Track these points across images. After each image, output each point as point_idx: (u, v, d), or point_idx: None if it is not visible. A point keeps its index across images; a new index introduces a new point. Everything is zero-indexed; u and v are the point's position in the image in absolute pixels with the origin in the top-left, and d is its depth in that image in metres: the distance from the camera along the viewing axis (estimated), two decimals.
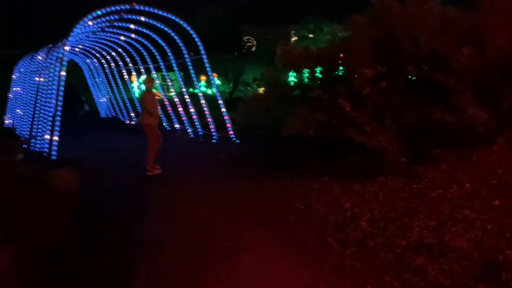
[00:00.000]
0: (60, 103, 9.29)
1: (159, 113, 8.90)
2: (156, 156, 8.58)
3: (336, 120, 6.85)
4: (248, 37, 35.55)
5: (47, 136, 9.46)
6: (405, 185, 5.82)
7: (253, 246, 4.79)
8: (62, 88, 9.22)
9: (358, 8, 7.52)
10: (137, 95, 18.85)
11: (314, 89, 7.47)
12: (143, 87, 9.55)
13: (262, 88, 22.76)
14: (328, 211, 5.60)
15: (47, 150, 9.43)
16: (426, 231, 4.48)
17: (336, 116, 6.89)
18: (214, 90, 23.71)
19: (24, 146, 11.08)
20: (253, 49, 34.09)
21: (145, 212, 6.13)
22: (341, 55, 7.65)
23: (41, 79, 11.09)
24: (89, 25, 9.80)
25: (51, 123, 9.40)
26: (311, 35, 28.73)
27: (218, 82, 11.37)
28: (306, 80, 8.12)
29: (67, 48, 9.30)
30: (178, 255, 4.66)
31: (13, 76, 17.14)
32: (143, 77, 16.89)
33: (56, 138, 9.21)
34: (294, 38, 36.34)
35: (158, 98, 12.07)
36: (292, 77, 10.09)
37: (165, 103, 14.74)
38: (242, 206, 6.21)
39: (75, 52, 17.72)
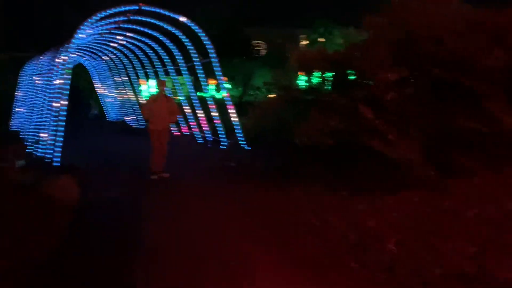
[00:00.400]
0: (64, 107, 8.83)
1: (168, 119, 8.24)
2: (160, 162, 8.15)
3: (355, 128, 6.29)
4: (257, 41, 35.02)
5: (50, 141, 9.01)
6: (434, 201, 5.23)
7: (262, 266, 4.25)
8: (66, 92, 8.76)
9: (367, 11, 6.99)
10: (146, 98, 18.44)
11: (330, 93, 6.93)
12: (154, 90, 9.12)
13: (272, 93, 22.28)
14: (348, 228, 5.03)
15: (50, 156, 8.98)
16: (463, 257, 3.89)
17: (354, 123, 6.33)
18: (224, 94, 23.29)
19: (27, 151, 10.66)
20: (262, 52, 33.57)
21: (145, 224, 5.61)
22: (358, 57, 7.09)
23: (44, 82, 10.65)
24: (94, 27, 9.35)
25: (54, 128, 8.94)
26: (321, 39, 28.18)
27: (227, 86, 10.80)
28: (319, 84, 7.57)
29: (71, 50, 8.84)
30: (179, 275, 4.13)
31: (19, 79, 16.81)
32: (152, 81, 16.48)
33: (59, 143, 8.75)
34: (303, 42, 35.84)
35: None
36: (302, 81, 9.57)
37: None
38: (250, 219, 5.67)
39: (82, 55, 17.35)
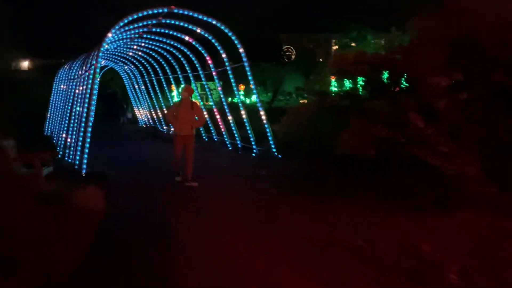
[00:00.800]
0: (92, 113, 8.56)
1: (193, 125, 7.91)
2: (186, 168, 7.92)
3: (402, 138, 5.65)
4: (288, 46, 34.51)
5: (77, 148, 8.77)
6: (497, 222, 4.54)
7: None
8: (94, 97, 8.49)
9: (398, 16, 6.37)
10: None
11: (372, 100, 6.31)
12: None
13: (303, 99, 21.65)
14: (399, 252, 4.41)
15: (78, 162, 8.73)
16: None
17: (401, 132, 5.70)
18: (254, 99, 22.84)
19: (57, 156, 10.51)
20: (293, 58, 33.02)
21: (172, 240, 5.15)
22: (404, 60, 6.45)
23: (74, 87, 10.48)
24: (125, 30, 9.08)
25: (82, 133, 8.68)
26: (353, 44, 27.39)
27: (253, 91, 10.32)
28: (359, 89, 6.96)
29: (100, 54, 8.58)
30: None
31: (54, 85, 16.94)
32: (182, 86, 16.22)
33: (86, 150, 8.47)
34: (335, 47, 35.05)
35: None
36: (339, 86, 8.99)
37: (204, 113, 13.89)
38: (282, 238, 5.08)
39: (114, 60, 17.32)
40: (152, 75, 16.49)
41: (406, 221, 5.05)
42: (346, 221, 5.49)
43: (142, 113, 20.33)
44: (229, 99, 15.45)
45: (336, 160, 7.07)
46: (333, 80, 24.11)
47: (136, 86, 19.10)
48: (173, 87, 17.81)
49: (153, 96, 17.72)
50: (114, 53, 15.44)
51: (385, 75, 6.87)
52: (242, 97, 13.99)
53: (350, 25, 27.11)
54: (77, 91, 10.37)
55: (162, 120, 17.58)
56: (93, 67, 8.70)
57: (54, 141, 13.20)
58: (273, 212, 6.14)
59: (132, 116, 22.09)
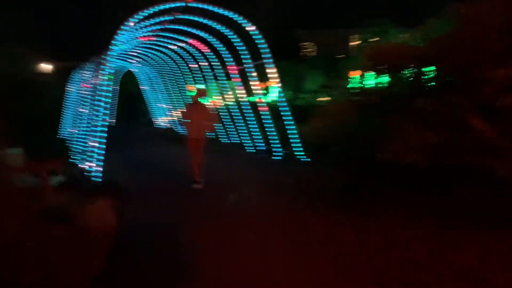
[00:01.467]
0: (105, 117, 7.90)
1: (204, 128, 7.68)
2: (197, 171, 7.73)
3: (459, 143, 4.77)
4: (306, 42, 33.53)
5: (90, 154, 8.13)
6: None
7: None
8: (108, 100, 7.82)
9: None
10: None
11: (420, 98, 5.42)
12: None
13: (326, 97, 20.66)
14: (459, 279, 3.57)
15: (92, 170, 8.07)
16: None
17: (457, 136, 4.82)
18: (274, 98, 22.00)
19: (71, 162, 9.91)
20: (311, 54, 32.03)
21: (192, 261, 4.40)
22: (457, 51, 5.53)
23: (86, 89, 9.85)
24: (137, 28, 8.38)
25: (96, 138, 8.03)
26: (374, 39, 26.29)
27: (278, 89, 9.52)
28: (404, 86, 6.07)
29: (112, 54, 7.89)
30: None
31: (67, 87, 16.45)
32: (200, 86, 15.53)
33: (100, 156, 7.83)
34: (354, 43, 33.91)
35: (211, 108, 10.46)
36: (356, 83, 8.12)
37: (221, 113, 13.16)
38: (313, 257, 4.30)
39: (129, 61, 16.74)
40: (170, 75, 15.83)
41: (462, 239, 4.20)
42: (384, 237, 4.66)
43: (159, 115, 19.75)
44: (248, 97, 14.63)
45: (375, 167, 6.21)
46: (356, 76, 23.14)
47: (153, 88, 18.50)
48: (190, 87, 17.13)
49: (170, 97, 17.08)
50: (130, 53, 14.83)
51: (425, 69, 5.98)
52: (261, 96, 13.17)
53: (370, 20, 26.05)
54: (89, 93, 9.74)
55: (179, 122, 16.92)
56: (104, 67, 8.02)
57: (68, 145, 12.63)
58: (299, 224, 5.35)
59: (148, 119, 21.53)
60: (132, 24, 7.82)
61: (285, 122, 9.92)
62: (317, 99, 19.52)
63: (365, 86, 7.20)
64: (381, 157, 5.21)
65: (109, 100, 7.78)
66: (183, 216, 6.11)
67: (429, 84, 5.94)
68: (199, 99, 7.72)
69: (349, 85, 7.50)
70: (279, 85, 9.63)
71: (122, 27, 7.54)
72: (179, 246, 4.96)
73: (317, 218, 5.65)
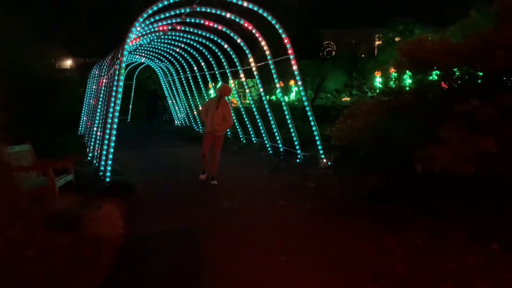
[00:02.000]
0: (116, 113, 7.34)
1: (223, 125, 7.65)
2: (211, 167, 7.76)
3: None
4: (328, 41, 32.59)
5: (103, 152, 7.60)
6: None
7: None
8: (119, 96, 7.26)
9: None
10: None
11: (466, 99, 4.63)
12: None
13: (348, 97, 19.77)
14: None
15: (103, 169, 7.53)
16: None
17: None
18: (293, 97, 21.22)
19: (84, 162, 9.43)
20: (333, 54, 31.08)
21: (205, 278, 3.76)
22: None
23: (100, 85, 9.34)
24: (152, 21, 7.80)
25: (108, 137, 7.49)
26: (398, 38, 25.25)
27: (299, 88, 8.81)
28: (450, 87, 5.28)
29: (126, 47, 7.32)
30: None
31: (88, 83, 16.11)
32: (219, 84, 14.94)
33: (110, 155, 7.28)
34: (378, 42, 32.80)
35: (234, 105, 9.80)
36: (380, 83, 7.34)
37: (242, 111, 12.51)
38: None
39: (149, 56, 16.27)
40: (188, 72, 15.27)
41: None
42: (429, 262, 3.91)
43: (178, 112, 19.26)
44: (267, 96, 13.97)
45: (408, 174, 5.44)
46: (386, 75, 22.10)
47: (172, 84, 18.01)
48: (210, 85, 16.53)
49: (188, 95, 16.54)
50: (148, 48, 14.34)
51: (479, 68, 5.18)
52: (280, 95, 12.48)
53: (395, 19, 25.02)
54: (103, 88, 9.23)
55: (198, 120, 16.36)
56: (118, 61, 7.47)
57: (86, 143, 12.22)
58: (325, 241, 4.64)
59: (168, 116, 21.06)
60: (149, 15, 7.24)
61: (306, 123, 9.25)
62: (342, 99, 18.74)
63: (399, 86, 6.42)
64: (421, 167, 4.45)
65: (120, 96, 7.18)
66: (199, 225, 5.48)
67: (473, 84, 5.14)
68: (225, 96, 7.59)
69: (376, 85, 6.73)
70: (300, 83, 8.89)
71: (139, 18, 6.95)
72: (190, 262, 4.32)
73: (337, 226, 4.95)
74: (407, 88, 5.83)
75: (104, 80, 9.68)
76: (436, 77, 5.99)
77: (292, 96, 21.54)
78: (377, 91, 7.16)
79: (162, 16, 8.10)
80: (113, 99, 7.39)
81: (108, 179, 7.20)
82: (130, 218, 5.53)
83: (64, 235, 4.77)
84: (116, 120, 7.24)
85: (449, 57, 5.29)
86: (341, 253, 4.38)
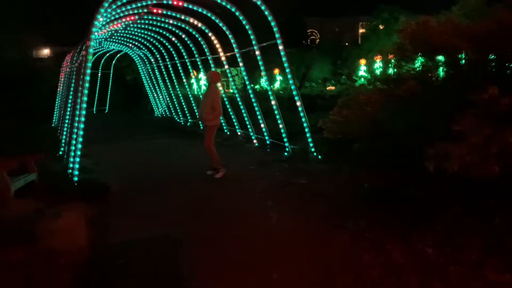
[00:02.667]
0: (84, 105, 6.46)
1: (205, 111, 7.01)
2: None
3: None
4: (311, 29, 31.79)
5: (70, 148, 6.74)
6: None
7: None
8: (86, 85, 6.37)
9: None
10: (196, 92, 16.10)
11: (480, 89, 3.96)
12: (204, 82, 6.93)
13: (331, 86, 19.12)
14: None
15: (72, 166, 6.67)
16: None
17: None
18: (277, 86, 20.42)
19: (51, 158, 8.50)
20: (317, 42, 30.33)
21: None
22: None
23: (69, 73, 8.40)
24: (122, 4, 6.89)
25: (76, 130, 6.61)
26: (382, 26, 24.65)
27: (287, 76, 8.08)
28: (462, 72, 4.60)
29: (92, 37, 6.40)
30: None
31: (61, 73, 15.00)
32: (201, 73, 14.04)
33: (78, 152, 6.43)
34: (361, 30, 32.17)
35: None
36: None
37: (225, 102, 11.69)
38: None
39: (126, 44, 15.22)
40: (167, 60, 14.31)
41: None
42: (446, 277, 3.28)
43: (158, 103, 18.29)
44: (251, 85, 13.15)
45: (414, 173, 4.79)
46: (363, 63, 21.46)
47: (151, 73, 17.00)
48: (192, 74, 15.58)
49: (168, 84, 15.59)
50: (124, 35, 13.31)
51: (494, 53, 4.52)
52: (267, 83, 11.74)
53: (379, 6, 24.38)
54: (73, 77, 8.30)
55: (179, 110, 15.45)
56: (85, 49, 6.57)
57: (58, 137, 11.23)
58: (337, 256, 3.95)
59: (150, 106, 20.04)
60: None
61: (293, 114, 8.55)
62: (327, 88, 18.07)
63: (399, 73, 5.72)
64: (433, 165, 3.78)
65: (87, 85, 6.29)
66: (178, 232, 4.73)
67: (487, 72, 4.49)
68: (215, 83, 7.05)
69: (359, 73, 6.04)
70: (289, 71, 8.15)
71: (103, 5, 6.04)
72: (165, 280, 3.57)
73: (335, 230, 4.27)
74: (412, 74, 5.13)
75: (74, 69, 8.73)
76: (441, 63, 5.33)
77: (277, 85, 20.75)
78: (361, 79, 6.44)
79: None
80: (80, 88, 6.51)
81: (76, 178, 6.36)
82: (98, 225, 4.74)
83: (14, 250, 3.97)
84: (84, 112, 6.36)
85: (459, 40, 4.62)
86: (342, 267, 3.71)
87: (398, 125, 4.95)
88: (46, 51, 34.04)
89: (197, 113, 13.35)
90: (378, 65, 19.11)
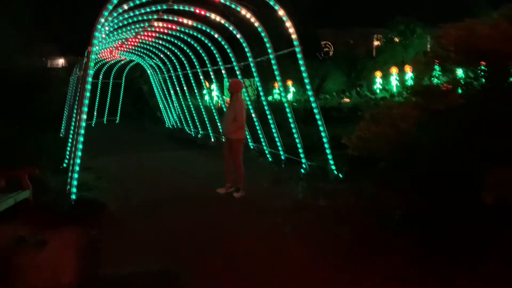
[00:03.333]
0: (84, 116, 5.85)
1: (228, 123, 6.53)
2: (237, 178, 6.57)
3: None
4: (325, 41, 31.21)
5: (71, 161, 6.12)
6: None
7: None
8: (87, 94, 5.77)
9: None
10: (208, 103, 15.50)
11: None
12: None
13: (346, 98, 18.31)
14: None
15: (70, 181, 6.03)
16: None
17: None
18: (290, 98, 19.73)
19: (65, 169, 7.93)
20: (330, 54, 29.71)
21: None
22: None
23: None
24: (131, 8, 6.33)
25: (75, 144, 6.00)
26: (397, 39, 23.95)
27: (306, 86, 7.37)
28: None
29: (95, 42, 5.81)
30: None
31: (70, 83, 14.59)
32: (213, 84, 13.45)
33: (76, 167, 5.80)
34: (376, 43, 31.50)
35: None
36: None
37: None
38: None
39: (138, 53, 14.76)
40: (179, 70, 13.76)
41: None
42: None
43: (169, 113, 17.75)
44: (268, 97, 12.47)
45: (455, 200, 4.03)
46: (379, 75, 20.60)
47: (163, 83, 16.49)
48: (207, 83, 14.96)
49: (180, 94, 15.03)
50: (135, 43, 12.83)
51: None
52: (278, 95, 11.00)
53: (396, 18, 23.69)
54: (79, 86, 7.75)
55: (190, 122, 14.85)
56: (86, 59, 5.99)
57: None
58: None
59: (160, 116, 19.52)
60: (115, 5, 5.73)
61: (309, 127, 7.84)
62: (341, 101, 17.30)
63: (432, 85, 4.99)
64: (492, 197, 3.04)
65: (88, 94, 5.69)
66: (182, 264, 4.02)
67: None
68: (237, 93, 6.54)
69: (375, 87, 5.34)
70: (308, 81, 7.47)
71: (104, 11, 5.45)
72: None
73: (374, 280, 3.51)
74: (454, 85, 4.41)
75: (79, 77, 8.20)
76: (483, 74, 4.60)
77: (289, 96, 20.07)
78: (383, 92, 5.71)
79: (144, 0, 6.62)
80: (78, 96, 5.91)
81: (74, 197, 5.73)
82: (89, 256, 4.07)
83: None
84: (83, 124, 5.74)
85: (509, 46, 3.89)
86: None
87: (436, 143, 4.23)
88: (61, 61, 34.04)
89: (208, 125, 12.77)
90: (409, 75, 17.86)
